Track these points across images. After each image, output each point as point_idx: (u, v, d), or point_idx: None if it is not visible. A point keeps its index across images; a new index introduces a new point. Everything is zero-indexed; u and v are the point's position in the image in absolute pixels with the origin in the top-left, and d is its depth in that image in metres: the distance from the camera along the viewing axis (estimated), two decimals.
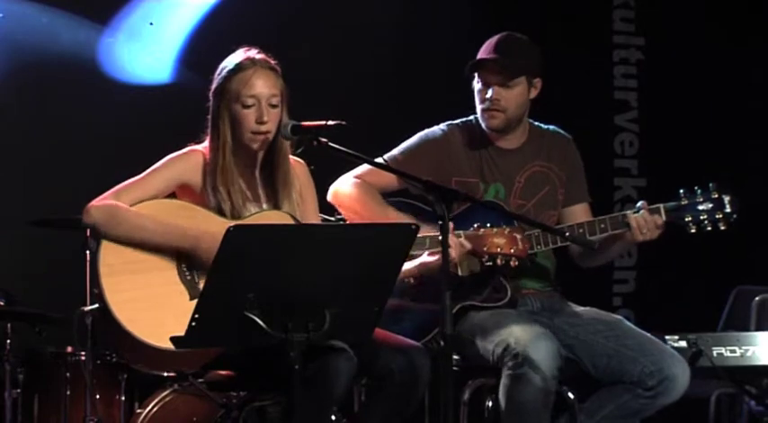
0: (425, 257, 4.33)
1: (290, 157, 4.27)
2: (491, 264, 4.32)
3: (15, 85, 5.96)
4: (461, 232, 4.31)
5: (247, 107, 4.11)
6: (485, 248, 4.31)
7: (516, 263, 4.32)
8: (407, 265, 4.28)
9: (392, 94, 6.53)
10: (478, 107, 4.60)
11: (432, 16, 6.71)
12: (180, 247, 4.02)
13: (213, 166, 4.14)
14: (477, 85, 4.59)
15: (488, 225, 4.33)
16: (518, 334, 4.26)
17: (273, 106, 4.13)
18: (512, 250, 4.31)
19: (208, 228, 4.00)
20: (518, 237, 4.32)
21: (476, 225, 4.34)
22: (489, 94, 4.54)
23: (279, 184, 4.22)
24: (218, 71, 4.19)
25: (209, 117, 4.19)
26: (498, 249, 4.31)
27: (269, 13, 6.25)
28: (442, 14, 6.73)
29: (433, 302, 4.31)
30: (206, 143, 4.21)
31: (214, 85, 4.18)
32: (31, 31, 6.00)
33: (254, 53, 4.17)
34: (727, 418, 5.63)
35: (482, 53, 4.58)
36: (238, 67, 4.14)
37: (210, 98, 4.19)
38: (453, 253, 4.19)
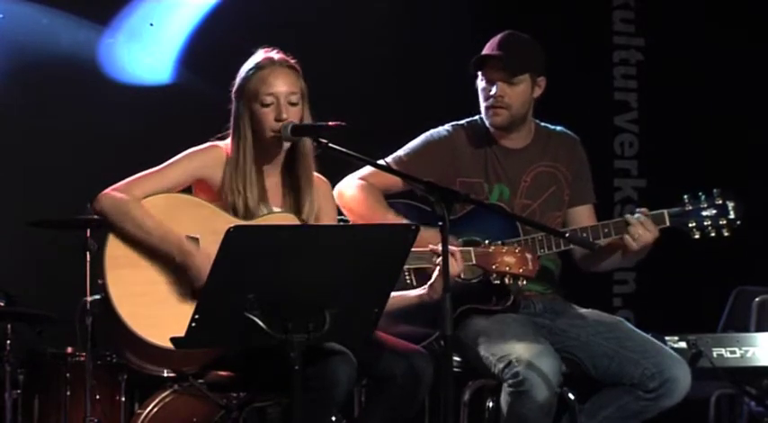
0: (423, 292, 4.27)
1: (316, 174, 4.27)
2: (499, 282, 4.30)
3: (15, 85, 5.96)
4: (471, 250, 4.28)
5: (266, 105, 4.12)
6: (494, 266, 4.27)
7: (524, 282, 4.30)
8: (410, 293, 4.28)
9: (392, 94, 6.52)
10: (482, 104, 4.59)
11: (432, 17, 6.70)
12: (173, 258, 4.00)
13: (233, 164, 4.14)
14: (480, 82, 4.59)
15: (500, 242, 4.31)
16: (520, 351, 4.25)
17: (293, 104, 4.14)
18: (521, 270, 4.27)
19: (215, 226, 3.97)
20: (528, 257, 4.29)
21: (486, 241, 4.31)
22: (493, 90, 4.53)
23: (301, 186, 4.22)
24: (240, 73, 4.19)
25: (232, 117, 4.19)
26: (507, 268, 4.27)
27: (269, 14, 6.24)
28: (441, 16, 6.72)
29: (430, 322, 4.30)
30: (228, 141, 4.21)
31: (236, 87, 4.18)
32: (32, 31, 5.99)
33: (273, 53, 4.18)
34: (728, 419, 5.62)
35: (486, 50, 4.58)
36: (257, 67, 4.15)
37: (232, 99, 4.19)
38: (453, 270, 4.15)
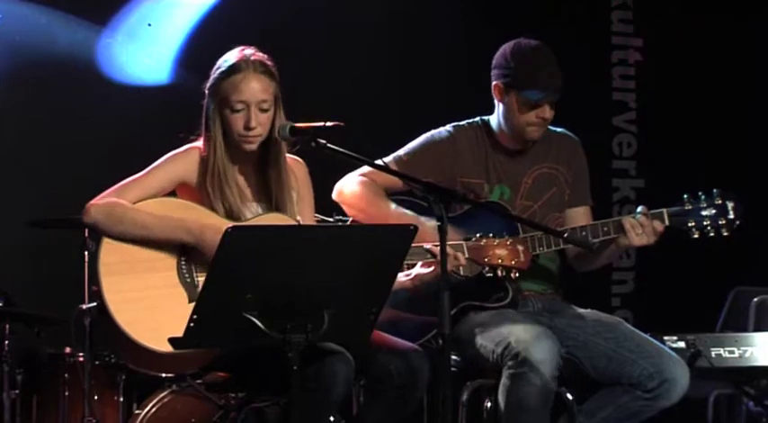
0: (419, 269, 4.28)
1: (290, 156, 4.25)
2: (492, 275, 4.30)
3: (14, 85, 5.92)
4: (463, 243, 4.28)
5: (236, 111, 4.09)
6: (486, 259, 4.28)
7: (517, 274, 4.30)
8: (401, 277, 4.24)
9: (391, 93, 6.50)
10: (521, 121, 4.53)
11: (430, 18, 6.67)
12: (183, 241, 3.99)
13: (207, 165, 4.12)
14: (523, 102, 4.51)
15: (491, 235, 4.30)
16: (519, 333, 4.25)
17: (264, 110, 4.10)
18: (513, 262, 4.28)
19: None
20: (520, 248, 4.29)
21: (478, 235, 4.31)
22: (548, 113, 4.52)
23: (272, 184, 4.19)
24: (214, 68, 4.15)
25: (203, 115, 4.17)
26: (499, 261, 4.28)
27: (267, 14, 6.22)
28: (440, 16, 6.69)
29: (430, 313, 4.28)
30: (202, 140, 4.19)
31: (209, 84, 4.15)
32: (30, 31, 5.96)
33: (249, 53, 4.13)
34: (726, 419, 5.63)
35: (541, 67, 4.51)
36: (230, 70, 4.09)
37: (206, 95, 4.16)
38: (448, 265, 4.13)
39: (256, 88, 4.08)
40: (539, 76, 4.50)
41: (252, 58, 4.11)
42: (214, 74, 4.14)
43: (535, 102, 4.50)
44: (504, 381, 4.27)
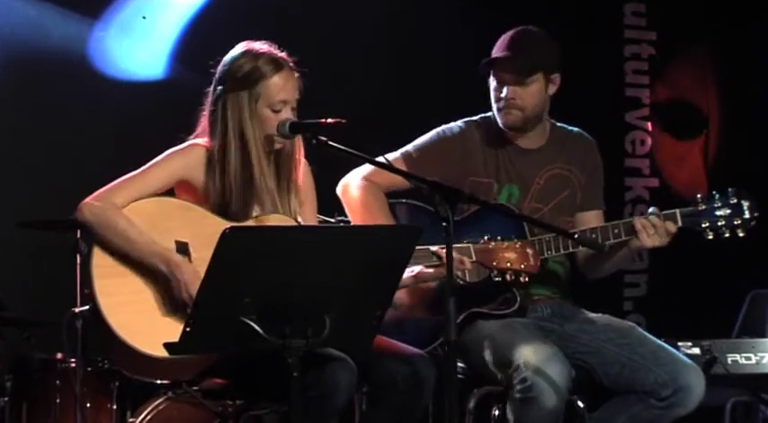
0: (421, 267, 4.24)
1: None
2: (500, 279, 4.25)
3: (4, 80, 5.91)
4: (470, 246, 4.23)
5: (276, 111, 4.08)
6: (494, 263, 4.24)
7: (526, 279, 4.26)
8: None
9: (393, 89, 6.49)
10: (494, 105, 4.54)
11: (438, 12, 6.67)
12: (158, 271, 3.93)
13: (226, 165, 4.07)
14: (492, 82, 4.53)
15: (499, 238, 4.26)
16: (527, 356, 4.19)
17: (293, 109, 4.13)
18: (522, 266, 4.23)
19: (205, 230, 3.94)
20: (529, 252, 4.25)
21: (486, 237, 4.26)
22: (504, 92, 4.48)
23: (283, 182, 4.17)
24: (236, 66, 4.09)
25: (226, 115, 4.09)
26: (508, 264, 4.23)
27: (264, 8, 6.23)
28: (450, 10, 6.69)
29: (436, 312, 4.26)
30: (205, 138, 4.14)
31: (233, 80, 4.08)
32: (19, 24, 5.95)
33: (276, 50, 4.13)
34: None
35: (496, 50, 4.52)
36: (273, 69, 4.08)
37: (225, 93, 4.09)
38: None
39: (295, 87, 4.13)
40: (494, 48, 4.50)
41: (282, 56, 4.13)
42: (242, 70, 4.08)
43: (486, 72, 4.48)
44: (512, 402, 4.23)
